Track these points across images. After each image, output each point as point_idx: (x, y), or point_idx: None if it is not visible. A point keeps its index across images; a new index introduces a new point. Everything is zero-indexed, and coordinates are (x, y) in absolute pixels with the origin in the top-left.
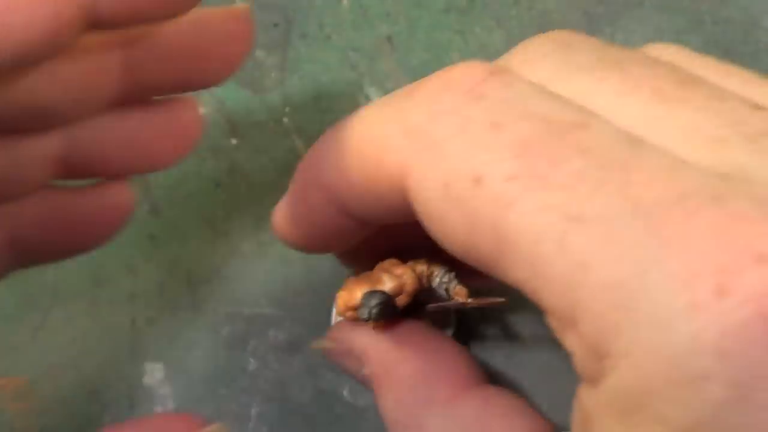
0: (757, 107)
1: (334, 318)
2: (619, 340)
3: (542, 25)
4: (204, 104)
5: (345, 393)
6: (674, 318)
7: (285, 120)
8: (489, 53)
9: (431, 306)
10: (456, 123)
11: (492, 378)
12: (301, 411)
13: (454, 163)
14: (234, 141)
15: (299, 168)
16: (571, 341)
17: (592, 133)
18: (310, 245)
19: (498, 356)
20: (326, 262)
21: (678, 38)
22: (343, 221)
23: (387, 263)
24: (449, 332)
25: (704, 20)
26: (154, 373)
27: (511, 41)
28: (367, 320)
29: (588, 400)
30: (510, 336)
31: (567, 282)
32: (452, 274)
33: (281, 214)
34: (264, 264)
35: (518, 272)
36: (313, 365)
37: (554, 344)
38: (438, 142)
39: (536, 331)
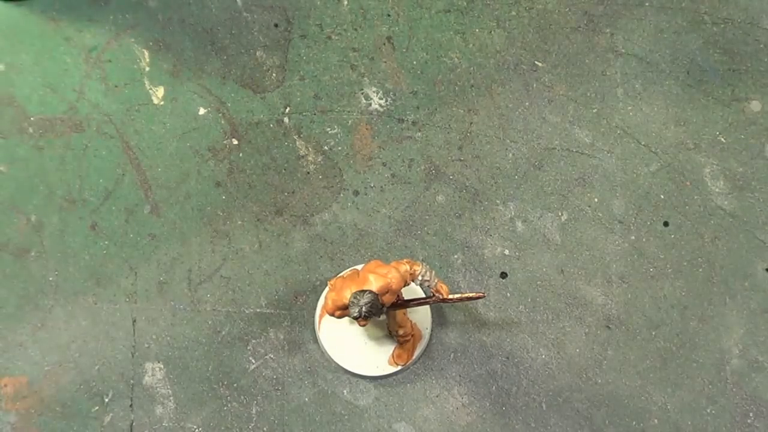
0: None
1: (320, 317)
2: None
3: (542, 25)
4: (204, 104)
5: (345, 393)
6: None
7: (285, 120)
8: (489, 53)
9: (414, 302)
10: None
11: (492, 377)
12: (301, 411)
13: None
14: (234, 141)
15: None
16: None
17: None
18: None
19: (498, 356)
20: (326, 263)
21: (678, 38)
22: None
23: (372, 264)
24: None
25: (704, 20)
26: (154, 373)
27: (511, 41)
28: (357, 318)
29: None
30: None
31: None
32: (433, 273)
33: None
34: (264, 264)
35: None
36: (313, 365)
37: (554, 343)
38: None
39: (537, 331)
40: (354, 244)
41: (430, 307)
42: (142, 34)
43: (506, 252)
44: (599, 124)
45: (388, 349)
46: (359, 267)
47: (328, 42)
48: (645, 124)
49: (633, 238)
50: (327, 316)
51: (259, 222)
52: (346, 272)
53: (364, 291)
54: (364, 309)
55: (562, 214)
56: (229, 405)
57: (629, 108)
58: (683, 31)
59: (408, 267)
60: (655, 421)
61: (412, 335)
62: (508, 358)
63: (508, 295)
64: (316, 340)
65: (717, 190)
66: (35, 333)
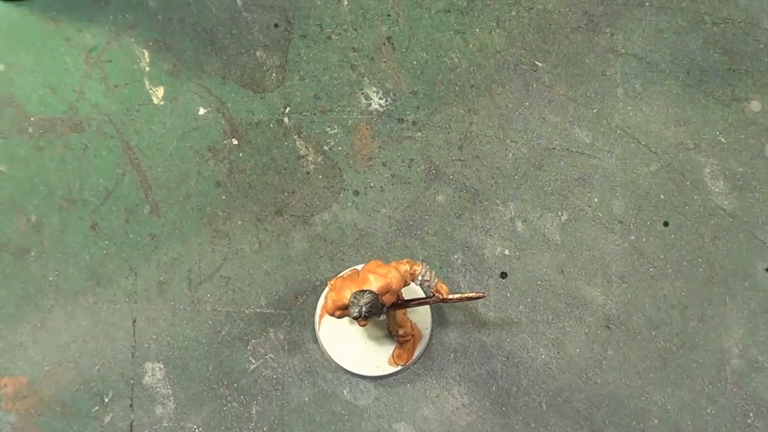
0: None
1: (320, 317)
2: None
3: (542, 25)
4: (204, 104)
5: (345, 393)
6: None
7: (285, 120)
8: (489, 53)
9: (414, 302)
10: None
11: (492, 377)
12: (301, 411)
13: None
14: (234, 141)
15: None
16: None
17: None
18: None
19: (498, 356)
20: (326, 263)
21: (678, 38)
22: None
23: (372, 264)
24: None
25: (704, 20)
26: (154, 373)
27: (511, 41)
28: (357, 318)
29: None
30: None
31: None
32: (433, 273)
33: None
34: (264, 264)
35: None
36: (313, 365)
37: (554, 343)
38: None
39: (537, 331)
40: (354, 244)
41: (430, 307)
42: (142, 34)
43: (506, 252)
44: (599, 124)
45: (388, 349)
46: (359, 267)
47: (328, 42)
48: (645, 124)
49: (633, 238)
50: (327, 316)
51: (259, 222)
52: (346, 272)
53: (364, 291)
54: (364, 309)
55: (562, 214)
56: (229, 405)
57: (629, 108)
58: (683, 31)
59: (408, 267)
60: (655, 421)
61: (412, 335)
62: (508, 358)
63: (508, 295)
64: (316, 340)
65: (717, 190)
66: (35, 333)
